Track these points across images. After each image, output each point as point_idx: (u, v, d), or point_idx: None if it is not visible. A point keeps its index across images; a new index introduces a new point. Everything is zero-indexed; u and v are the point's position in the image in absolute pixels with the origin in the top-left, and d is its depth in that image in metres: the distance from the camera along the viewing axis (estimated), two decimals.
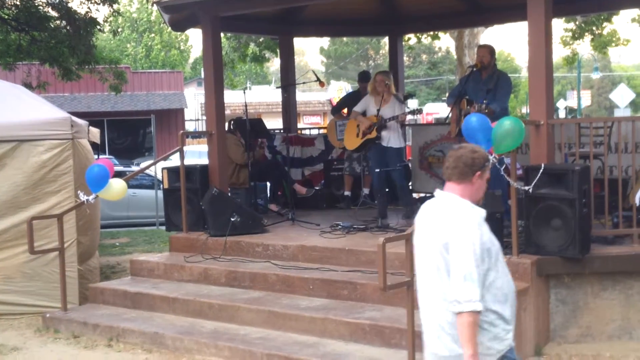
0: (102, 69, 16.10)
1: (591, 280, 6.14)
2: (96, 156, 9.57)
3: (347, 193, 9.74)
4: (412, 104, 29.28)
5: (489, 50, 7.72)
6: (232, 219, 7.73)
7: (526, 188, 5.91)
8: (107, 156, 22.08)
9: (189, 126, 33.46)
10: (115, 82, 16.11)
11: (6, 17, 13.89)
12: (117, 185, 7.09)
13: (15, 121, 7.60)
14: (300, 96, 32.78)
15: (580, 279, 6.13)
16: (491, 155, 5.67)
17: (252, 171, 8.97)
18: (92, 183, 7.03)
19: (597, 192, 6.78)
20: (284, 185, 9.65)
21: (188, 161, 8.38)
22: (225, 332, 6.17)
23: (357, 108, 8.58)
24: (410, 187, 10.24)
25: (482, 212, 3.38)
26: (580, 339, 6.14)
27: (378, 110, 8.21)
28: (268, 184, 9.91)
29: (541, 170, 5.87)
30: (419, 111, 8.63)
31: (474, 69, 7.77)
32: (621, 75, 61.41)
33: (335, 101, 13.59)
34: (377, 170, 8.27)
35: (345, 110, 10.04)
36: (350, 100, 10.15)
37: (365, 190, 9.62)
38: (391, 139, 8.26)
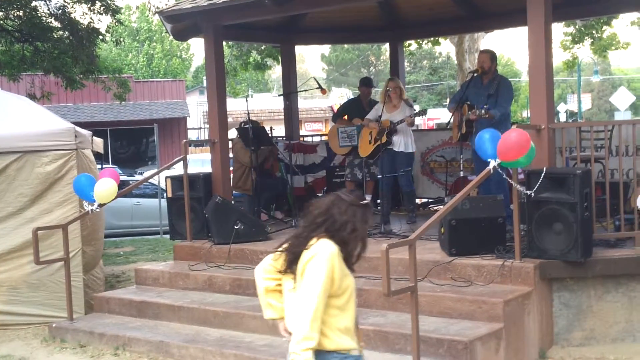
0: (106, 78, 16.18)
1: (594, 283, 6.16)
2: (99, 166, 9.63)
3: None
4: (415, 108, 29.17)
5: (489, 56, 7.77)
6: (236, 227, 7.77)
7: (528, 192, 5.94)
8: (110, 166, 22.17)
9: (192, 135, 33.56)
10: (119, 91, 16.20)
11: (10, 28, 13.99)
12: (104, 186, 7.12)
13: (19, 132, 7.66)
14: (302, 103, 32.81)
15: (583, 282, 6.15)
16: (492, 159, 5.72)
17: (259, 182, 9.00)
18: (81, 193, 7.13)
19: (599, 196, 6.81)
20: (287, 195, 9.70)
21: (191, 169, 8.41)
22: (231, 339, 6.20)
23: (370, 115, 8.62)
24: None
25: None
26: (584, 342, 6.16)
27: (380, 117, 8.24)
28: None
29: (543, 174, 5.90)
30: (424, 112, 8.64)
31: (475, 75, 7.81)
32: (621, 78, 61.45)
33: (336, 108, 13.65)
34: (385, 175, 8.29)
35: (346, 117, 10.06)
36: (351, 106, 10.16)
37: (367, 197, 9.64)
38: (402, 143, 8.29)
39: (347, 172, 9.66)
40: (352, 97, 25.01)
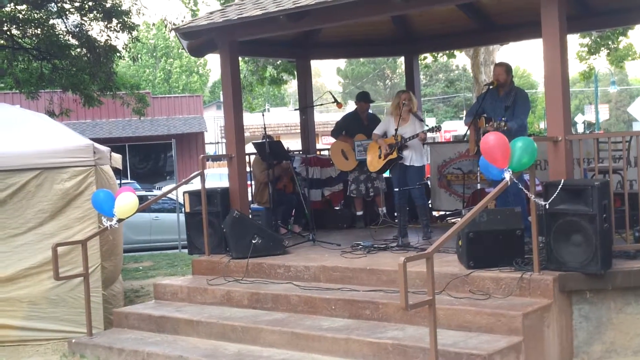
0: (124, 94, 16.34)
1: (614, 295, 6.11)
2: (119, 181, 9.70)
3: (359, 213, 9.79)
4: (430, 122, 29.22)
5: (504, 69, 7.75)
6: (254, 241, 7.79)
7: (543, 203, 5.92)
8: (129, 182, 22.33)
9: (209, 149, 33.70)
10: (138, 106, 16.34)
11: (28, 46, 14.17)
12: (125, 200, 7.16)
13: (38, 149, 7.73)
14: (318, 117, 32.85)
15: (603, 294, 6.10)
16: (506, 169, 5.70)
17: (276, 196, 9.02)
18: (101, 209, 7.18)
19: (618, 207, 6.77)
20: (304, 211, 9.72)
21: (209, 184, 8.45)
22: (249, 354, 6.20)
23: (378, 130, 8.59)
24: (430, 206, 10.26)
25: None
26: (604, 355, 6.11)
27: (396, 130, 8.25)
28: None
29: (560, 186, 5.88)
30: (438, 128, 8.59)
31: (491, 87, 7.81)
32: (639, 88, 61.04)
33: None
34: (398, 189, 8.29)
35: (344, 133, 9.82)
36: (349, 122, 9.91)
37: (384, 209, 9.64)
38: (413, 157, 8.28)
39: (353, 189, 9.63)
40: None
